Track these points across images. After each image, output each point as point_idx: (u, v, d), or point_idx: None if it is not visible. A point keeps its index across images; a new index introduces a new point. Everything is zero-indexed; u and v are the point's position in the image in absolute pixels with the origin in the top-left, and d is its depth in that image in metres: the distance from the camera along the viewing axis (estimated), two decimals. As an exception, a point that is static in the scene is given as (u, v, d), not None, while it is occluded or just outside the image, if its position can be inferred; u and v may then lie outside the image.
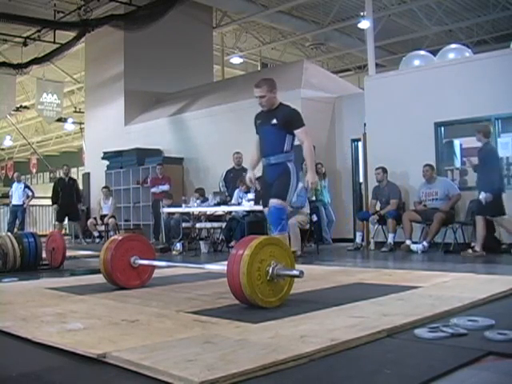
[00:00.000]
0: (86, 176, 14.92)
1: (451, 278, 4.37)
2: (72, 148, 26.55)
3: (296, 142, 4.55)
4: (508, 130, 7.98)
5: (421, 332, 2.45)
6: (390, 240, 7.97)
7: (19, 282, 4.94)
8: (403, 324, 2.61)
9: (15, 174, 13.18)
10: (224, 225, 8.75)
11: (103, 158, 13.31)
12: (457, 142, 8.77)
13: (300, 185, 7.85)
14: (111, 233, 11.35)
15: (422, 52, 9.95)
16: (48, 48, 14.09)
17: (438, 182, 7.95)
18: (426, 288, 3.82)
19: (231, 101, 11.49)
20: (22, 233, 7.01)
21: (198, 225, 9.24)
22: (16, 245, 5.83)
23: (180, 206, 8.93)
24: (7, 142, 26.98)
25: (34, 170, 28.11)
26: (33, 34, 14.30)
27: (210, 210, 8.65)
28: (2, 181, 29.48)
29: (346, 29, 15.30)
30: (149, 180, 11.91)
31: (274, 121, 4.41)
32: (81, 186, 13.80)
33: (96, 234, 11.98)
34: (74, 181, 12.14)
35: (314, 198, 8.78)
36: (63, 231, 11.60)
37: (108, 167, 13.30)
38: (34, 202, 13.82)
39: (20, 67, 14.06)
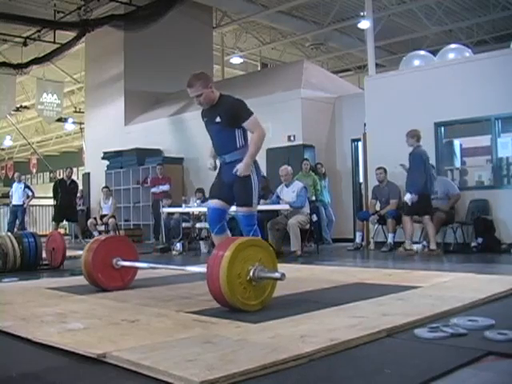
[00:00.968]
0: (86, 176, 14.92)
1: (451, 278, 4.37)
2: (72, 148, 26.54)
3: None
4: (508, 129, 7.99)
5: (421, 332, 2.45)
6: (390, 240, 7.97)
7: (19, 282, 4.94)
8: (403, 324, 2.61)
9: (16, 174, 13.17)
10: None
11: (103, 158, 13.31)
12: (457, 142, 8.78)
13: (300, 184, 7.87)
14: (111, 233, 11.35)
15: (422, 52, 9.95)
16: (48, 48, 14.10)
17: (438, 181, 7.95)
18: (426, 288, 3.82)
19: (231, 101, 11.46)
20: (22, 233, 7.01)
21: (197, 225, 9.23)
22: (16, 245, 5.84)
23: (180, 206, 8.93)
24: (7, 142, 27.00)
25: (34, 170, 28.11)
26: (33, 34, 14.31)
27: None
28: (1, 181, 29.48)
29: (346, 29, 15.30)
30: (149, 180, 11.91)
31: (218, 119, 4.02)
32: (81, 186, 13.80)
33: (96, 234, 11.96)
34: (76, 184, 12.12)
35: (313, 198, 8.78)
36: (63, 231, 11.60)
37: (108, 167, 13.31)
38: (34, 201, 13.82)
39: (20, 67, 14.07)
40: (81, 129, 21.00)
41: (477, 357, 2.10)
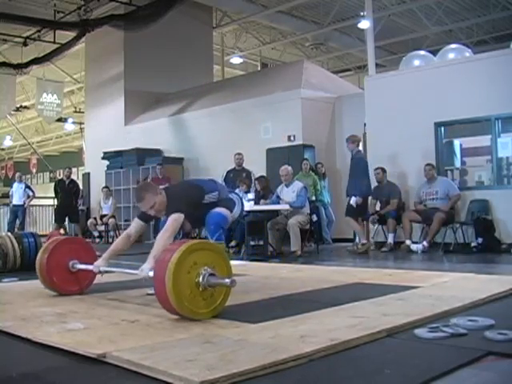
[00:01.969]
0: (86, 176, 14.91)
1: (451, 278, 4.37)
2: (72, 148, 26.54)
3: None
4: (508, 129, 7.98)
5: (421, 332, 2.45)
6: (390, 240, 7.97)
7: (19, 282, 4.93)
8: (403, 324, 2.61)
9: (17, 174, 13.16)
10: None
11: (103, 158, 13.31)
12: (457, 142, 8.77)
13: (300, 184, 7.88)
14: (111, 233, 11.36)
15: (422, 52, 9.94)
16: (48, 48, 14.09)
17: (439, 181, 7.95)
18: (426, 288, 3.81)
19: (231, 101, 11.49)
20: (22, 233, 7.01)
21: (197, 225, 9.21)
22: (16, 245, 5.83)
23: (180, 206, 8.91)
24: (7, 142, 26.98)
25: (34, 170, 28.09)
26: (33, 34, 14.31)
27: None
28: (1, 181, 29.47)
29: (346, 29, 15.29)
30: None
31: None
32: (81, 186, 13.78)
33: (96, 233, 11.99)
34: (75, 184, 12.08)
35: (313, 198, 8.78)
36: (63, 231, 11.59)
37: (108, 167, 13.30)
38: (34, 201, 13.81)
39: (20, 67, 14.06)
40: (81, 129, 20.99)
41: (477, 357, 2.10)
